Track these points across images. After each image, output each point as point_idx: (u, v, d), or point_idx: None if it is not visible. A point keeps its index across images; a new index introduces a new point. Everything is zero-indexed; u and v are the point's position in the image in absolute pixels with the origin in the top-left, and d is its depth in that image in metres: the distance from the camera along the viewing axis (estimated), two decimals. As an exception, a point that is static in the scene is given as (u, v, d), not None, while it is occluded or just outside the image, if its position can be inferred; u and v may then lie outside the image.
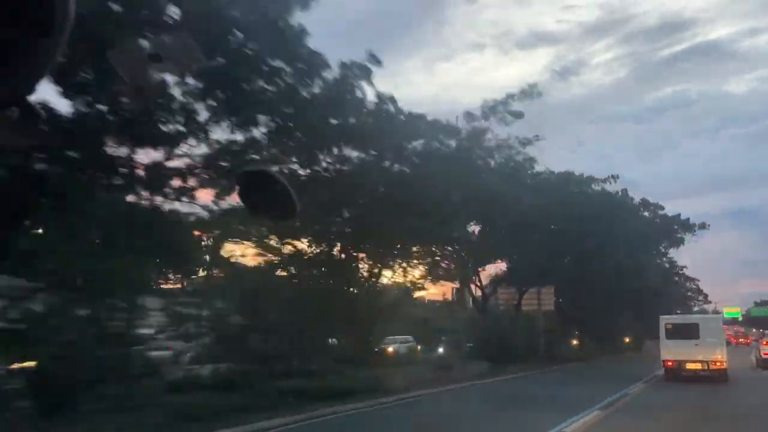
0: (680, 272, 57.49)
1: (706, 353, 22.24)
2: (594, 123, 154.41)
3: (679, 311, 52.74)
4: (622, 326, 54.48)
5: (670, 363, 22.93)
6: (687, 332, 22.80)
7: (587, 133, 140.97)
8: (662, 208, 45.47)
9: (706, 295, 76.64)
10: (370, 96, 16.03)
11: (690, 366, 22.36)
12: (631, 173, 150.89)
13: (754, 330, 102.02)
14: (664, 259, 54.01)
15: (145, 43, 3.70)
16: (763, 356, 29.28)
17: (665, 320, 24.36)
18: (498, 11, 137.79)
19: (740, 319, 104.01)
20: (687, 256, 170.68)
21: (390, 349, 32.47)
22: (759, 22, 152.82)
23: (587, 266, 37.15)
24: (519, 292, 39.16)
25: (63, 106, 11.15)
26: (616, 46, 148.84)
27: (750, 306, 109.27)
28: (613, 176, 36.21)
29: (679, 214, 45.66)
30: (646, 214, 44.53)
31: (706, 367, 22.21)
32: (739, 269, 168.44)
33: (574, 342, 49.70)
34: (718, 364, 22.15)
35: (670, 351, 23.03)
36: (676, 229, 45.56)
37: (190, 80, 12.03)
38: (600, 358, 43.77)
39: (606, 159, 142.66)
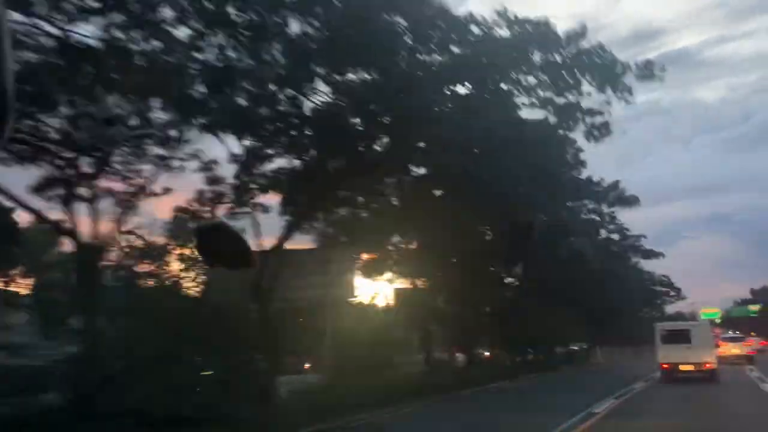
0: (638, 247, 42.67)
1: (698, 356, 23.73)
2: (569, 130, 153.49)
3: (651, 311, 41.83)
4: (558, 330, 39.38)
5: (665, 365, 24.49)
6: (680, 337, 24.54)
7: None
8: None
9: (678, 290, 63.98)
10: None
11: (683, 368, 23.97)
12: (607, 180, 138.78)
13: (735, 332, 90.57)
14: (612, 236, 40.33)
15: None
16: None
17: (660, 327, 26.53)
18: None
19: (718, 321, 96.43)
20: (665, 261, 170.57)
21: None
22: (726, 31, 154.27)
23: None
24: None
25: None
26: None
27: (728, 308, 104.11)
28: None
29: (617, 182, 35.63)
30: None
31: (698, 369, 23.71)
32: (716, 273, 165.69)
33: (486, 354, 34.88)
34: (708, 365, 23.65)
35: (666, 355, 24.58)
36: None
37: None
38: (519, 379, 28.54)
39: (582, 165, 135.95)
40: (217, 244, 2.78)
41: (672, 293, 69.28)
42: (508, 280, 38.63)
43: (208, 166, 16.12)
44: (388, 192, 22.22)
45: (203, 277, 18.71)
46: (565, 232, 30.04)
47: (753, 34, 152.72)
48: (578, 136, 20.41)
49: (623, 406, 16.23)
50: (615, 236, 40.59)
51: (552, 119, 17.98)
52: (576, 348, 47.06)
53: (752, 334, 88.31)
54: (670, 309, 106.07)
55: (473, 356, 31.12)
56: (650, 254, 39.42)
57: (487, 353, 35.51)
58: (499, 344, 35.45)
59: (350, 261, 19.77)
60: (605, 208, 37.62)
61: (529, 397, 21.13)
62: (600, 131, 17.81)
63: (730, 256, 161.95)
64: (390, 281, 28.17)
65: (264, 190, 16.72)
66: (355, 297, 21.35)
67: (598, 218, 38.18)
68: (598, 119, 17.91)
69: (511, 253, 30.32)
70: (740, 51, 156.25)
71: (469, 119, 16.83)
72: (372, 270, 26.97)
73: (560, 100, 17.68)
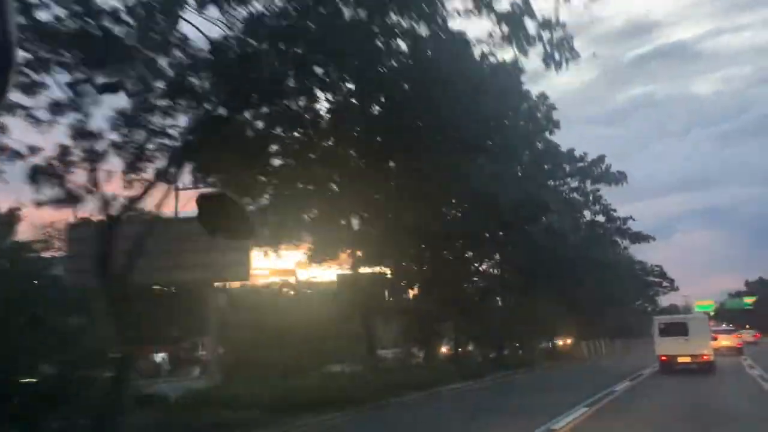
0: (625, 230, 38.27)
1: (695, 348, 24.00)
2: (565, 125, 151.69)
3: (643, 303, 38.54)
4: (539, 323, 35.23)
5: (664, 358, 24.71)
6: (677, 330, 24.66)
7: (558, 135, 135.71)
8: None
9: (672, 281, 60.57)
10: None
11: (681, 359, 24.21)
12: (634, 221, 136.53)
13: (729, 325, 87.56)
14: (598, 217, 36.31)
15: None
16: None
17: (658, 320, 26.96)
18: (464, 17, 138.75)
19: (712, 313, 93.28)
20: (660, 255, 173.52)
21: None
22: (721, 23, 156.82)
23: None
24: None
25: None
26: (584, 49, 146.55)
27: (723, 300, 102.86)
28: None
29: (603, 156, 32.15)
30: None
31: (695, 360, 23.96)
32: (710, 266, 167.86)
33: (443, 350, 30.88)
34: (705, 357, 23.96)
35: (664, 347, 24.74)
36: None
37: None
38: (483, 379, 24.31)
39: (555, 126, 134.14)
40: (217, 213, 2.89)
41: (665, 284, 65.64)
42: (483, 267, 34.97)
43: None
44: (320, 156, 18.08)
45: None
46: (541, 209, 26.18)
47: (749, 27, 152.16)
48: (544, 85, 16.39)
49: (592, 422, 12.25)
50: (600, 218, 36.59)
51: (498, 33, 13.31)
52: (560, 342, 43.19)
53: (747, 326, 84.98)
54: (664, 301, 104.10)
55: (431, 353, 27.10)
56: (639, 238, 35.19)
57: (445, 349, 31.27)
58: (469, 339, 31.41)
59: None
60: (589, 185, 33.68)
61: (478, 405, 16.75)
62: (561, 51, 13.49)
63: (725, 249, 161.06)
64: (334, 267, 24.29)
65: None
66: (249, 279, 17.20)
67: (581, 198, 34.18)
68: (558, 34, 13.46)
69: (477, 235, 26.39)
70: (736, 43, 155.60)
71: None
72: (319, 254, 23.06)
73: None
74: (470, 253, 30.43)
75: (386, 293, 25.36)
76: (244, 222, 2.97)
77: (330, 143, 16.74)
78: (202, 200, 2.99)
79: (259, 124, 14.35)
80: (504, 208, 20.94)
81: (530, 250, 29.88)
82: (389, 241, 22.26)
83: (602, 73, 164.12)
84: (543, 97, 22.13)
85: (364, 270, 23.15)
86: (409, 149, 15.67)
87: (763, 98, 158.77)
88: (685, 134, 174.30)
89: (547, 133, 25.69)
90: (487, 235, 27.60)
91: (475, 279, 32.85)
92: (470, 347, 33.32)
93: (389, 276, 25.40)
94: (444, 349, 31.89)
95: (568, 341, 42.62)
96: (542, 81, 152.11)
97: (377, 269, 24.87)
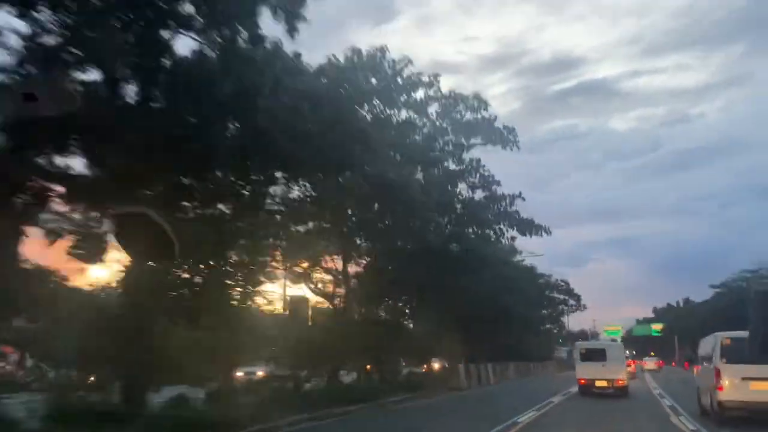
0: (512, 213, 28.04)
1: (612, 373, 24.94)
2: (489, 150, 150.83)
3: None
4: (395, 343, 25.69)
5: (583, 381, 25.50)
6: (597, 356, 25.42)
7: (484, 160, 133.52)
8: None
9: (578, 297, 53.93)
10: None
11: (599, 383, 24.99)
12: (524, 201, 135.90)
13: (632, 352, 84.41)
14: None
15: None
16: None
17: (580, 346, 28.43)
18: (401, 38, 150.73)
19: (619, 339, 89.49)
20: (573, 281, 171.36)
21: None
22: (639, 65, 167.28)
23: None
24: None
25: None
26: (511, 79, 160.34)
27: (631, 326, 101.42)
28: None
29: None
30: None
31: (611, 385, 24.80)
32: (620, 294, 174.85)
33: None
34: (620, 382, 24.93)
35: (584, 371, 25.57)
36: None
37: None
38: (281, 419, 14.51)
39: (501, 186, 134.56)
40: (137, 234, 2.63)
41: (572, 302, 58.86)
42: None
43: None
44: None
45: None
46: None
47: (663, 70, 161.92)
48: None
49: None
50: (481, 194, 27.52)
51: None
52: (436, 366, 34.22)
53: (651, 354, 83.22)
54: (574, 324, 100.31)
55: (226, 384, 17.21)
56: (529, 227, 25.99)
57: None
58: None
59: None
60: (465, 148, 24.97)
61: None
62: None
63: (634, 278, 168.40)
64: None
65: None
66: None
67: (456, 166, 25.35)
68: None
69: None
70: (652, 85, 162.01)
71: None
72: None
73: None
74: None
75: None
76: (167, 242, 2.63)
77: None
78: (121, 220, 2.75)
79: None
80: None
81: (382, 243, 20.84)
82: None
83: (527, 103, 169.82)
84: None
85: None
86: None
87: (673, 138, 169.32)
88: (602, 167, 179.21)
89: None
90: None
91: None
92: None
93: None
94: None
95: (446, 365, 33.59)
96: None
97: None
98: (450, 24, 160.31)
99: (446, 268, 24.44)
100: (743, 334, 12.34)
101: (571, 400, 23.35)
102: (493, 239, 26.95)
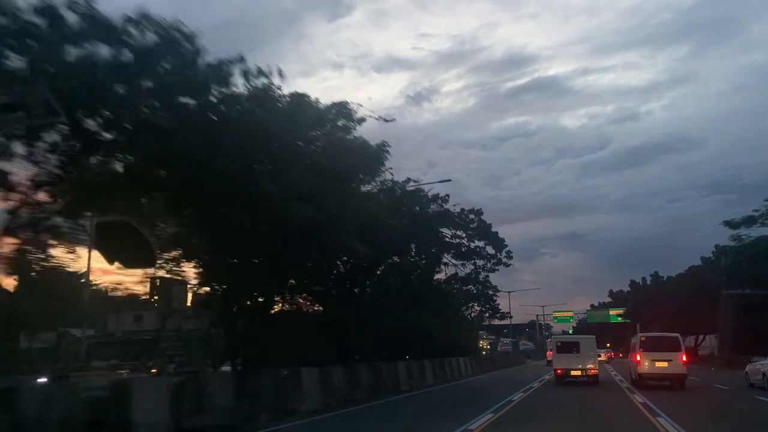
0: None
1: (584, 363, 28.72)
2: (445, 148, 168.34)
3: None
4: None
5: (559, 371, 29.26)
6: (571, 348, 29.34)
7: (439, 157, 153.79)
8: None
9: (496, 288, 43.27)
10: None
11: (573, 372, 28.73)
12: (477, 197, 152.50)
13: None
14: None
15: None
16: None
17: (556, 339, 34.91)
18: (357, 32, 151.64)
19: (571, 331, 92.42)
20: (525, 275, 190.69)
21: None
22: (589, 63, 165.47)
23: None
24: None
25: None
26: (466, 76, 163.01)
27: (585, 313, 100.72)
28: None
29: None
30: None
31: (584, 374, 28.59)
32: (571, 288, 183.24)
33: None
34: (592, 371, 28.74)
35: (559, 362, 29.49)
36: None
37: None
38: None
39: (455, 183, 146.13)
40: (116, 241, 1.46)
41: (490, 291, 42.42)
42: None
43: None
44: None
45: None
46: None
47: (612, 69, 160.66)
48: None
49: None
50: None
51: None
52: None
53: (608, 345, 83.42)
54: (520, 314, 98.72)
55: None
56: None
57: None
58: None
59: None
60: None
61: None
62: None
63: (586, 271, 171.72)
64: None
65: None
66: None
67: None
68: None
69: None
70: (601, 83, 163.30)
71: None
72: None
73: None
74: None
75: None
76: (146, 250, 2.18)
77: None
78: (101, 228, 1.95)
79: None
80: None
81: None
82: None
83: (482, 100, 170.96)
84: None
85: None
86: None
87: (621, 135, 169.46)
88: (553, 163, 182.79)
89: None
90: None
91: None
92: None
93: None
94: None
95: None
96: (425, 103, 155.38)
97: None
98: (405, 19, 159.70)
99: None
100: (654, 333, 27.49)
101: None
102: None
